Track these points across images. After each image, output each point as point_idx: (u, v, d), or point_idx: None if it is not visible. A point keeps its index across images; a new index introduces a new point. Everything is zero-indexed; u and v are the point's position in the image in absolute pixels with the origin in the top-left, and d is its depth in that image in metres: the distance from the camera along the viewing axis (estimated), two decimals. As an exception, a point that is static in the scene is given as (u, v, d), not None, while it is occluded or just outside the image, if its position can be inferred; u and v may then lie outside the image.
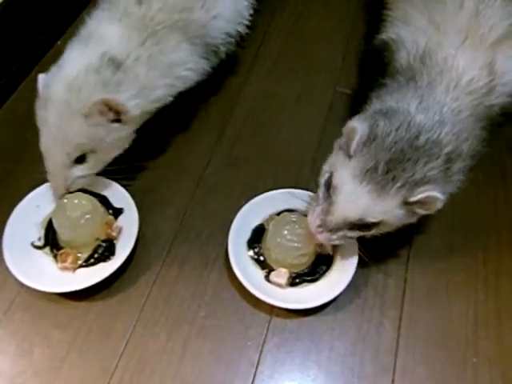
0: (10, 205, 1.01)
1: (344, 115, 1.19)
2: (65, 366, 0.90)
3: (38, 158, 0.97)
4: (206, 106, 1.26)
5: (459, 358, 0.93)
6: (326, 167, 0.92)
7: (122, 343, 0.92)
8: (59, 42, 1.37)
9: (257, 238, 1.02)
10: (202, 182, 1.14)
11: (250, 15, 1.25)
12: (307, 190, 1.02)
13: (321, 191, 0.90)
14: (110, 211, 1.03)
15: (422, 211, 0.86)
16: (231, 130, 1.22)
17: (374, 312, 0.97)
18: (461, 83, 0.92)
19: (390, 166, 0.82)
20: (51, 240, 1.01)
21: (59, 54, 1.01)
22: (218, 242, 1.04)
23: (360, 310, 0.97)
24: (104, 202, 1.04)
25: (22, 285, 0.94)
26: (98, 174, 1.03)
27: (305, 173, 1.12)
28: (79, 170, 0.98)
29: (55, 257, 0.99)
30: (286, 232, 0.96)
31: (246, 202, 1.03)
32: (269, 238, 0.98)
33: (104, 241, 0.99)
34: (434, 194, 0.82)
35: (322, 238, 0.88)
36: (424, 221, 1.06)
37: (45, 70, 1.00)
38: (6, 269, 0.93)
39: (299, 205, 1.00)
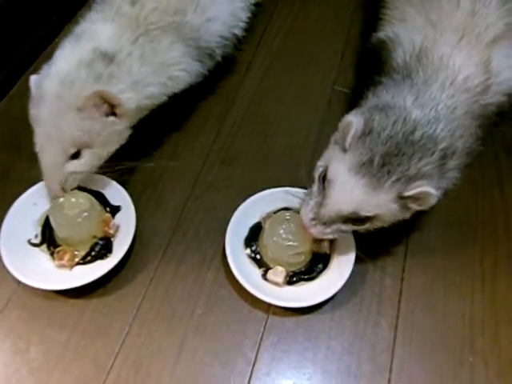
0: (7, 203, 1.01)
1: (342, 114, 1.18)
2: (61, 365, 0.90)
3: (34, 156, 0.97)
4: (203, 104, 1.26)
5: (455, 356, 0.93)
6: (320, 162, 0.92)
7: (119, 341, 0.92)
8: (57, 40, 1.37)
9: (254, 236, 1.02)
10: (200, 181, 1.14)
11: (248, 18, 1.25)
12: (304, 188, 1.01)
13: (315, 185, 0.90)
14: (108, 209, 1.03)
15: (415, 206, 0.85)
16: (228, 129, 1.23)
17: (370, 311, 0.97)
18: (456, 81, 0.92)
19: (386, 160, 0.82)
20: (48, 237, 1.00)
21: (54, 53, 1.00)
22: (216, 240, 1.04)
23: (357, 308, 0.97)
24: (101, 199, 1.04)
25: (19, 283, 0.94)
26: (95, 173, 1.02)
27: (302, 171, 1.11)
28: (74, 166, 0.97)
29: (52, 254, 0.99)
30: (281, 231, 0.96)
31: (244, 200, 1.03)
32: (265, 237, 0.98)
33: (101, 239, 0.99)
34: (428, 190, 0.82)
35: (315, 231, 0.88)
36: (421, 219, 1.06)
37: (39, 70, 0.99)
38: (3, 266, 0.93)
39: (296, 203, 1.00)
